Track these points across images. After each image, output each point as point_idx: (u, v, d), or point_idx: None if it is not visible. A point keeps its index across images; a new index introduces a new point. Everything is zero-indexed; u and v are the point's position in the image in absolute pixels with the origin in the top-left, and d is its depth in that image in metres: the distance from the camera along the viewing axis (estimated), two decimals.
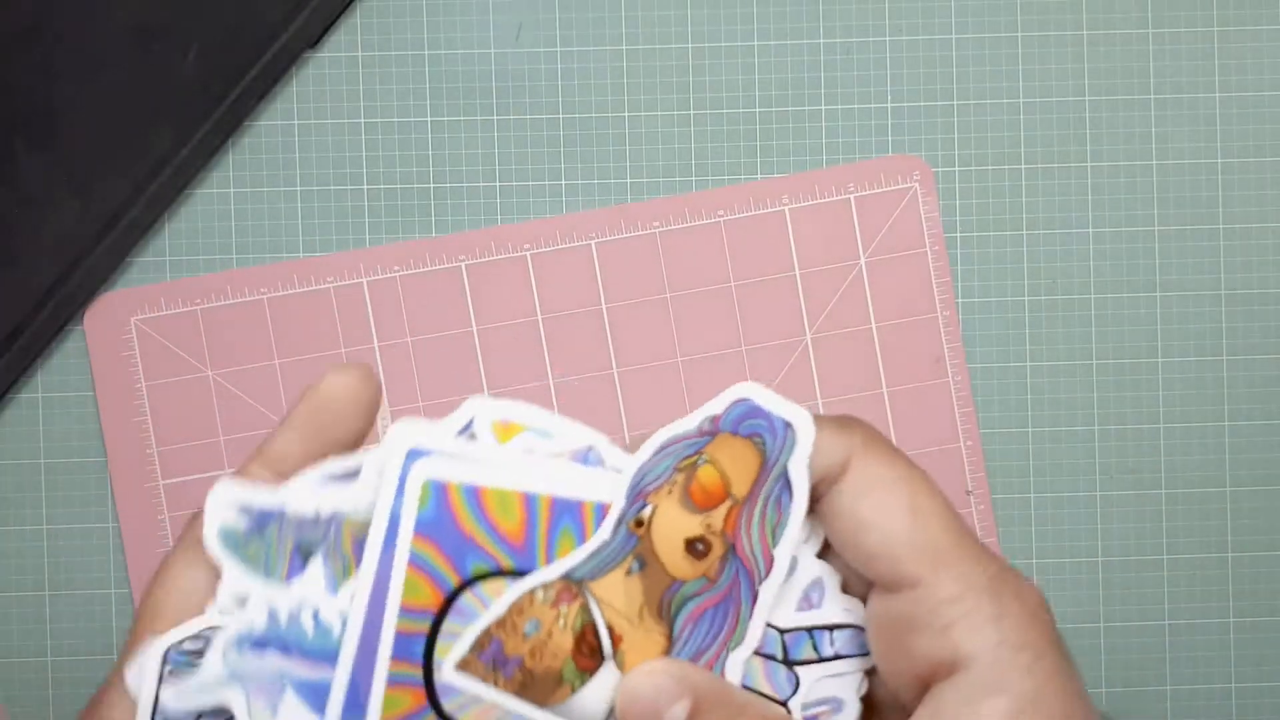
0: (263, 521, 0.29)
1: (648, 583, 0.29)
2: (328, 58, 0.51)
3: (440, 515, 0.28)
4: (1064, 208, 0.51)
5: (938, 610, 0.28)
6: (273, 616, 0.29)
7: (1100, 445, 0.51)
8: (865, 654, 0.30)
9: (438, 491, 0.28)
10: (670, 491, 0.29)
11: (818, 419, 0.29)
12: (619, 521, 0.29)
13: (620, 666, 0.29)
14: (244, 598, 0.29)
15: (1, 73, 0.49)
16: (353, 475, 0.29)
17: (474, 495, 0.28)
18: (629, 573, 0.29)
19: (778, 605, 0.29)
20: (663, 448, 0.29)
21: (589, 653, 0.29)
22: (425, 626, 0.28)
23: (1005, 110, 0.51)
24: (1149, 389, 0.51)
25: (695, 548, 0.29)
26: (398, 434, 0.28)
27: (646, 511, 0.29)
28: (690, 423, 0.29)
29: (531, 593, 0.28)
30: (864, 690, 0.30)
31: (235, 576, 0.29)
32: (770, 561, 0.29)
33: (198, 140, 0.49)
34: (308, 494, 0.29)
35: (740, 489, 0.29)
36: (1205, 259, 0.51)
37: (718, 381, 0.50)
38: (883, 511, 0.28)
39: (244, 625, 0.28)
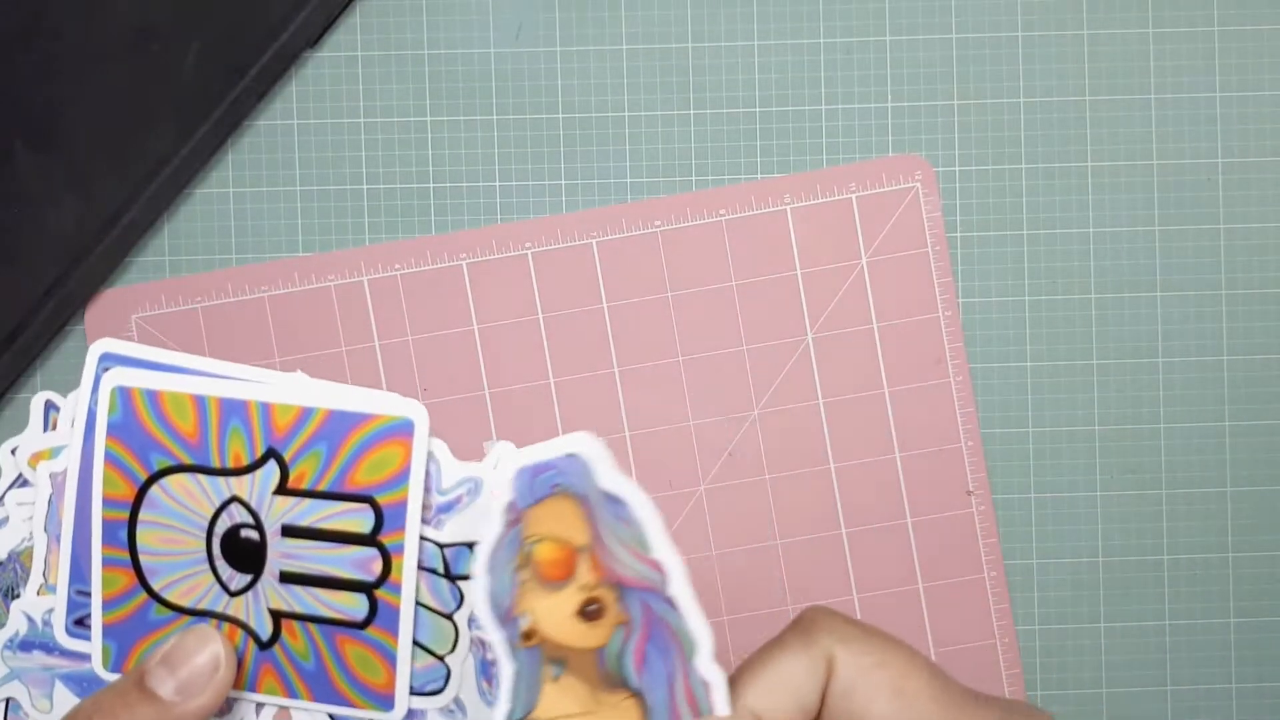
0: None
1: (578, 672, 0.28)
2: (328, 58, 0.51)
3: (127, 418, 0.32)
4: (1064, 208, 0.51)
5: None
6: (31, 622, 0.33)
7: (1100, 445, 0.51)
8: None
9: (124, 396, 0.32)
10: (529, 590, 0.28)
11: (782, 642, 0.29)
12: (510, 650, 0.28)
13: None
14: None
15: (1, 72, 0.49)
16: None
17: (153, 399, 0.32)
18: (555, 679, 0.29)
19: (475, 522, 0.31)
20: (490, 567, 0.29)
21: None
22: (125, 515, 0.32)
23: (1006, 110, 0.51)
24: (1149, 389, 0.51)
25: (588, 611, 0.29)
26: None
27: (525, 623, 0.28)
28: (494, 526, 0.28)
29: None
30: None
31: None
32: (657, 566, 0.29)
33: (198, 140, 0.49)
34: None
35: (580, 537, 0.29)
36: (1205, 259, 0.51)
37: (718, 382, 0.50)
38: (871, 701, 0.29)
39: (10, 631, 0.33)
